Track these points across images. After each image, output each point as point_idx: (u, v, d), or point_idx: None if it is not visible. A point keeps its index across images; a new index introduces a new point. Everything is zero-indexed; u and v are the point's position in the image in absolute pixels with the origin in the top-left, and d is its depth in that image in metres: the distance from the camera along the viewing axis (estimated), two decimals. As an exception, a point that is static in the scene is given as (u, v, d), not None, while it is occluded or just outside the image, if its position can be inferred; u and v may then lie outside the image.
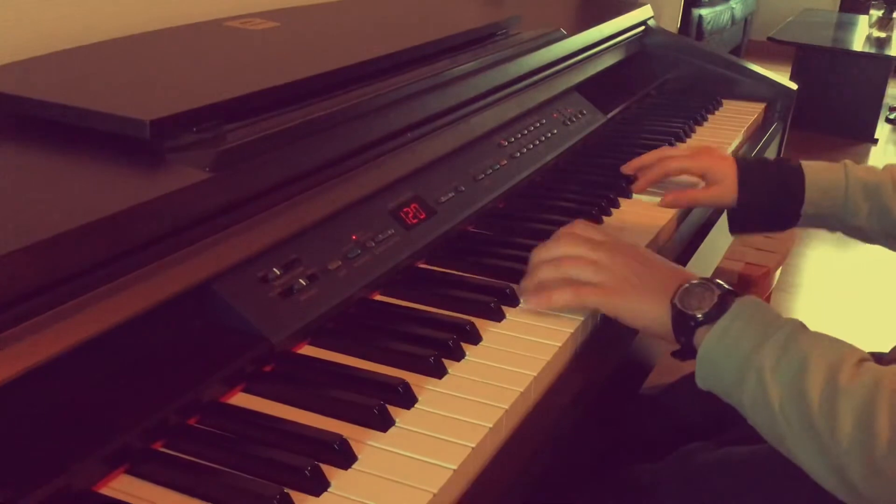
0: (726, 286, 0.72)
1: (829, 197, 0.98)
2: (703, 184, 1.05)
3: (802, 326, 0.69)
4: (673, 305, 0.72)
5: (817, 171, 0.99)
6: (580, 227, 0.82)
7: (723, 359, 0.68)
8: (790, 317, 0.70)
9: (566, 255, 0.78)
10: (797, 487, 0.68)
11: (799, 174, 0.99)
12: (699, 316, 0.70)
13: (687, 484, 0.83)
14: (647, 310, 0.74)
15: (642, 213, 1.05)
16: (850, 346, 0.66)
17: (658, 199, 1.06)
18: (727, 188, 1.01)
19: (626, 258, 0.77)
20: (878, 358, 0.94)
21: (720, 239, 1.16)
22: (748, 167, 1.02)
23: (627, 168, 1.10)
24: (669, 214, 1.04)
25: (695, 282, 0.73)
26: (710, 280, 0.73)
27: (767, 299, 1.95)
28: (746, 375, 0.66)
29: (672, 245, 1.04)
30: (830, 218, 0.99)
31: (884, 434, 0.59)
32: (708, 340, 0.69)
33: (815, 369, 0.63)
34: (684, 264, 1.02)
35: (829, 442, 0.62)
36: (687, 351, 0.72)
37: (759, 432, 0.68)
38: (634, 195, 1.09)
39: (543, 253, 0.80)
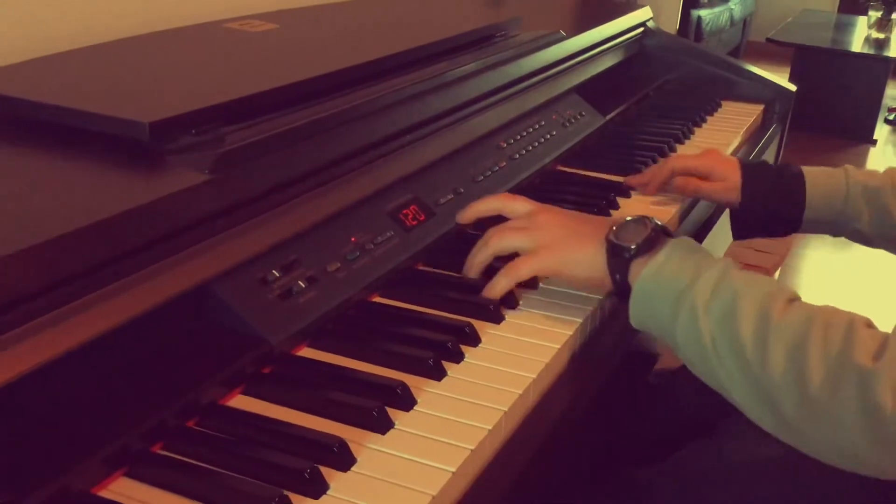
0: (658, 221, 0.74)
1: (831, 202, 0.98)
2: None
3: (736, 266, 0.70)
4: (608, 241, 0.74)
5: (818, 177, 1.00)
6: (506, 198, 0.84)
7: (656, 294, 0.69)
8: (723, 257, 0.72)
9: (494, 231, 0.80)
10: (793, 492, 0.68)
11: (800, 180, 0.99)
12: (632, 247, 0.72)
13: (684, 487, 0.83)
14: (581, 256, 0.75)
15: (642, 213, 1.04)
16: (781, 285, 0.68)
17: (658, 197, 1.07)
18: (730, 187, 1.02)
19: (553, 215, 0.79)
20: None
21: (720, 239, 1.17)
22: (751, 170, 1.02)
23: (632, 182, 1.10)
24: (669, 215, 1.04)
25: (629, 219, 0.75)
26: (644, 216, 0.75)
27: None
28: (679, 311, 0.68)
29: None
30: (832, 223, 1.00)
31: (815, 367, 0.60)
32: (643, 276, 0.70)
33: (747, 305, 0.65)
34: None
35: (762, 376, 0.63)
36: (623, 288, 0.74)
37: (691, 369, 0.69)
38: (634, 194, 1.09)
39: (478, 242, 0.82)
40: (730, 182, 1.02)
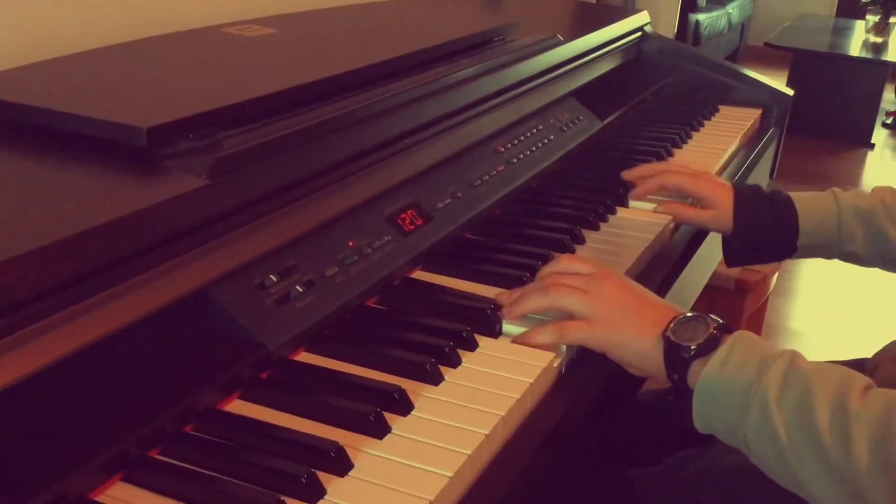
0: (720, 320, 0.70)
1: (824, 226, 0.98)
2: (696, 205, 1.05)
3: (800, 355, 0.67)
4: (665, 338, 0.69)
5: (808, 202, 0.99)
6: (570, 259, 0.80)
7: (722, 393, 0.65)
8: (787, 348, 0.69)
9: (554, 282, 0.76)
10: (785, 495, 0.68)
11: (790, 206, 0.99)
12: (693, 347, 0.68)
13: (679, 489, 0.83)
14: (637, 345, 0.71)
15: (639, 219, 1.05)
16: (853, 373, 0.65)
17: (654, 206, 1.07)
18: (722, 214, 1.01)
19: (616, 289, 0.74)
20: (861, 364, 0.95)
21: (717, 244, 1.17)
22: (744, 197, 1.01)
23: (628, 174, 1.10)
24: (666, 220, 1.04)
25: (689, 314, 0.70)
26: (703, 314, 0.70)
27: (764, 304, 1.95)
28: (749, 408, 0.64)
29: (669, 250, 1.04)
30: (826, 247, 0.99)
31: None
32: (705, 375, 0.66)
33: (821, 396, 0.62)
34: (681, 269, 1.02)
35: (846, 469, 0.60)
36: (680, 389, 0.69)
37: (766, 471, 0.66)
38: (631, 202, 1.10)
39: (533, 285, 0.78)
40: (722, 210, 1.00)
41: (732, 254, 1.04)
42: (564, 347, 0.74)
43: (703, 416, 0.67)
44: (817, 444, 0.61)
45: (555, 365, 0.73)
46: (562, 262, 0.80)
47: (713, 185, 1.03)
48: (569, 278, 0.76)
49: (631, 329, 0.71)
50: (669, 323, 0.70)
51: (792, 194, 1.00)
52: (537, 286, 0.77)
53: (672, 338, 0.69)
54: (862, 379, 0.64)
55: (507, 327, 0.77)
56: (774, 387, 0.63)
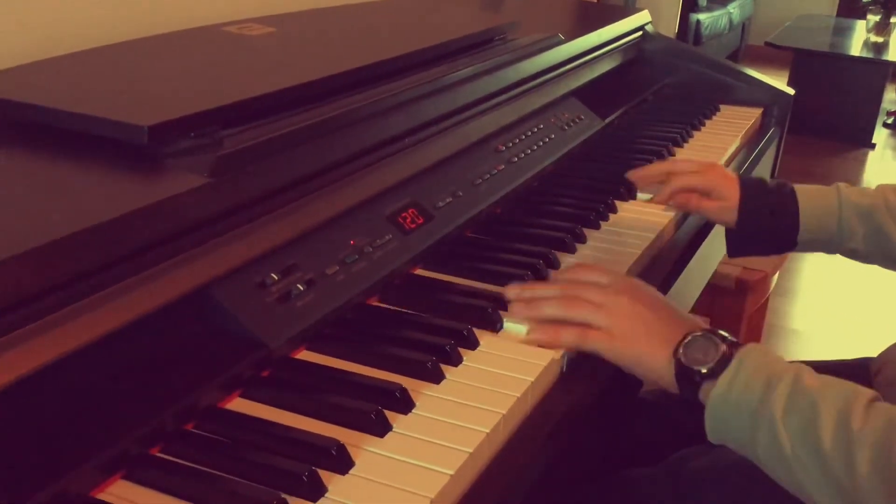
0: (729, 337, 0.71)
1: (824, 222, 0.98)
2: None
3: (808, 371, 0.68)
4: (677, 361, 0.71)
5: (811, 197, 0.99)
6: (588, 269, 0.81)
7: (731, 415, 0.68)
8: (793, 362, 0.70)
9: (573, 294, 0.77)
10: (786, 495, 0.68)
11: (793, 199, 0.99)
12: (703, 371, 0.69)
13: (681, 489, 0.83)
14: (650, 361, 0.72)
15: (641, 217, 1.05)
16: (857, 387, 0.66)
17: (656, 202, 1.07)
18: (729, 206, 1.01)
19: (633, 303, 0.75)
20: (865, 364, 0.95)
21: (718, 243, 1.17)
22: (750, 189, 1.01)
23: (633, 175, 1.10)
24: (667, 219, 1.04)
25: (698, 334, 0.71)
26: (714, 331, 0.71)
27: (765, 304, 1.95)
28: (757, 429, 0.66)
29: (670, 249, 1.04)
30: (826, 242, 1.00)
31: None
32: (714, 398, 0.68)
33: (826, 415, 0.63)
34: (682, 268, 1.02)
35: (848, 486, 0.62)
36: (693, 405, 0.71)
37: (778, 482, 0.67)
38: (631, 202, 1.10)
39: (551, 290, 0.79)
40: (729, 202, 1.01)
41: (734, 244, 1.05)
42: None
43: (715, 433, 0.70)
44: (822, 461, 0.63)
45: (556, 363, 0.73)
46: (580, 272, 0.80)
47: (721, 177, 1.04)
48: (586, 291, 0.77)
49: (645, 347, 0.73)
50: (680, 343, 0.71)
51: (796, 187, 1.01)
52: (555, 294, 0.78)
53: (682, 360, 0.70)
54: (865, 394, 0.65)
55: (508, 325, 0.77)
56: (780, 408, 0.65)
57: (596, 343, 0.74)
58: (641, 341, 0.73)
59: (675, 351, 0.71)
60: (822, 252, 1.02)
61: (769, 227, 1.00)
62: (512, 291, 0.79)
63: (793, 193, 1.00)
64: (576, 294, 0.77)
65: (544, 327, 0.76)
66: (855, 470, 0.61)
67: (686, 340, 0.71)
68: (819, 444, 0.63)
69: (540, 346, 0.74)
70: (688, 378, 0.70)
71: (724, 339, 0.70)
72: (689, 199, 1.04)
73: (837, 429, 0.63)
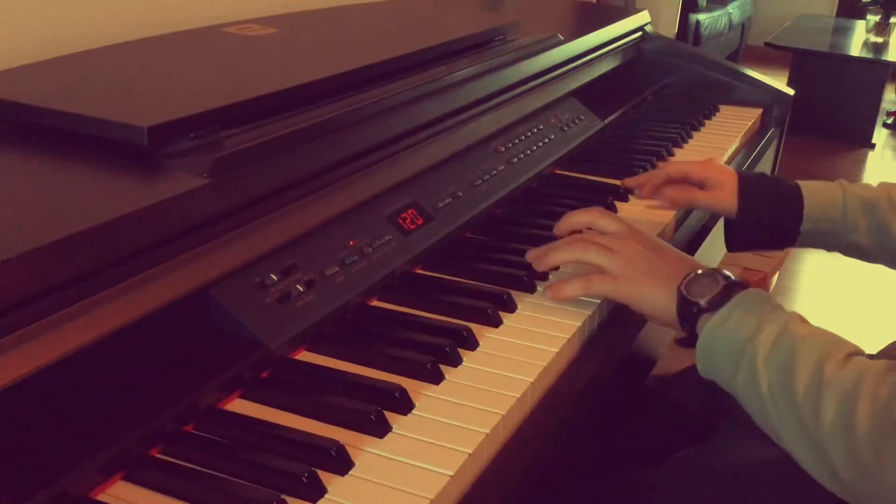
0: (733, 277, 0.75)
1: (828, 215, 0.98)
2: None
3: (800, 318, 0.71)
4: (679, 293, 0.75)
5: (815, 190, 0.99)
6: (598, 212, 0.85)
7: (720, 347, 0.71)
8: (790, 310, 0.72)
9: (580, 238, 0.82)
10: (790, 494, 0.68)
11: (797, 193, 0.99)
12: (702, 303, 0.73)
13: (682, 489, 0.83)
14: (655, 297, 0.76)
15: (640, 217, 1.05)
16: (841, 340, 0.69)
17: (655, 201, 1.07)
18: (726, 195, 1.01)
19: (639, 245, 0.79)
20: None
21: (717, 244, 1.17)
22: (748, 181, 1.02)
23: (630, 182, 1.10)
24: (667, 219, 1.04)
25: (701, 271, 0.75)
26: (717, 270, 0.75)
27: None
28: (740, 363, 0.69)
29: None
30: (828, 236, 0.99)
31: (863, 422, 0.62)
32: (707, 328, 0.72)
33: (804, 360, 0.66)
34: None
35: (814, 429, 0.64)
36: (691, 338, 0.75)
37: (755, 420, 0.70)
38: (632, 198, 1.10)
39: (561, 241, 0.83)
40: (726, 189, 1.00)
41: (734, 238, 1.05)
42: (565, 341, 0.74)
43: (704, 365, 0.73)
44: (793, 404, 0.65)
45: (558, 361, 0.73)
46: (592, 215, 0.86)
47: (718, 169, 1.04)
48: (596, 235, 0.82)
49: (649, 284, 0.77)
50: (684, 278, 0.75)
51: (800, 182, 1.01)
52: (566, 240, 0.83)
53: (684, 293, 0.74)
54: (847, 346, 0.68)
55: (509, 322, 0.77)
56: (764, 348, 0.68)
57: (600, 286, 0.79)
58: (647, 279, 0.77)
59: (679, 285, 0.75)
60: (822, 248, 1.02)
61: (771, 218, 1.00)
62: (531, 253, 0.85)
63: (796, 186, 1.00)
64: (584, 237, 0.82)
65: (552, 285, 0.80)
66: (820, 415, 0.64)
67: (690, 276, 0.75)
68: (793, 386, 0.65)
69: (552, 300, 0.80)
70: (688, 310, 0.74)
71: (726, 277, 0.74)
72: (681, 193, 1.03)
73: (812, 373, 0.65)
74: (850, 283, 2.78)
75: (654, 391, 1.03)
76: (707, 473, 0.84)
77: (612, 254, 0.79)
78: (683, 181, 1.04)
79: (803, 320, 0.71)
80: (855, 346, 0.68)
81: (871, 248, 0.99)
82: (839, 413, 0.63)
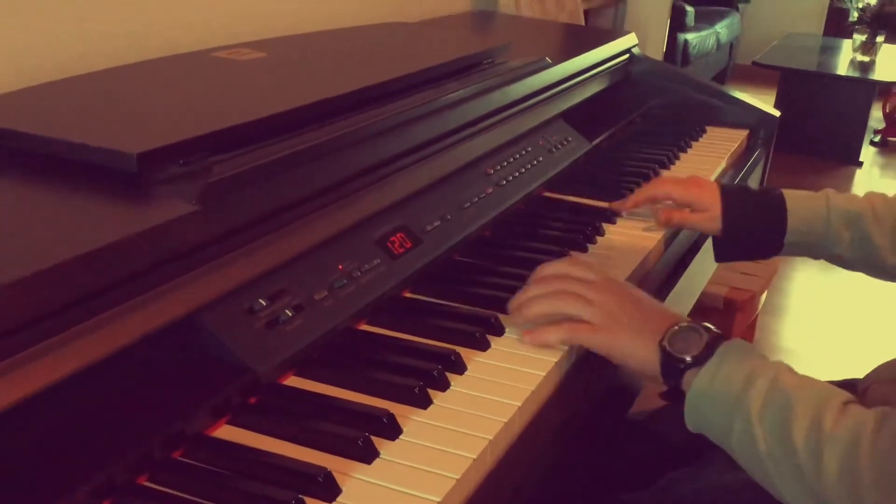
0: (713, 329, 0.73)
1: (812, 226, 0.99)
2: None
3: (788, 369, 0.70)
4: (662, 348, 0.73)
5: (799, 201, 1.00)
6: (573, 264, 0.83)
7: (710, 404, 0.70)
8: (776, 360, 0.71)
9: (559, 290, 0.79)
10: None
11: (781, 204, 1.00)
12: (688, 359, 0.72)
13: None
14: (636, 350, 0.75)
15: (628, 239, 1.06)
16: (833, 389, 0.68)
17: (643, 223, 1.08)
18: (712, 216, 1.03)
19: (617, 297, 0.77)
20: (853, 384, 0.95)
21: (706, 263, 1.18)
22: (732, 196, 1.03)
23: (618, 206, 1.11)
24: (655, 240, 1.05)
25: (684, 324, 0.74)
26: (698, 323, 0.74)
27: (753, 323, 1.96)
28: (734, 421, 0.68)
29: (658, 270, 1.04)
30: (813, 246, 1.01)
31: (867, 476, 0.61)
32: (695, 387, 0.70)
33: (800, 414, 0.65)
34: (670, 289, 1.03)
35: (817, 485, 0.63)
36: (675, 393, 0.73)
37: (750, 475, 0.69)
38: (619, 220, 1.10)
39: (537, 289, 0.80)
40: (712, 212, 1.03)
41: (721, 249, 1.06)
42: (553, 365, 0.75)
43: (694, 422, 0.72)
44: (793, 458, 0.65)
45: (546, 386, 0.73)
46: (564, 266, 0.82)
47: (699, 187, 1.05)
48: (572, 284, 0.79)
49: (630, 338, 0.75)
50: (665, 333, 0.74)
51: (785, 191, 1.02)
52: (542, 293, 0.80)
53: (668, 349, 0.73)
54: (841, 396, 0.67)
55: (497, 346, 0.78)
56: (757, 403, 0.67)
57: (582, 336, 0.77)
58: (627, 332, 0.75)
59: (661, 339, 0.73)
60: (808, 256, 1.04)
61: (756, 231, 1.01)
62: (511, 303, 0.82)
63: (780, 197, 1.01)
64: (563, 289, 0.79)
65: (532, 330, 0.78)
66: (823, 469, 0.63)
67: (672, 330, 0.74)
68: (791, 442, 0.65)
69: (532, 345, 0.77)
70: (672, 366, 0.72)
71: (708, 330, 0.73)
72: (671, 215, 1.06)
73: (810, 427, 0.64)
74: (839, 301, 2.79)
75: (637, 424, 1.03)
76: (694, 495, 0.84)
77: (590, 305, 0.77)
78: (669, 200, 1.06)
79: (791, 370, 0.70)
80: (848, 394, 0.67)
81: (853, 259, 1.00)
82: (842, 468, 0.62)
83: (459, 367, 0.74)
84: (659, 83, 1.61)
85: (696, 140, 1.51)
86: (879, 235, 0.97)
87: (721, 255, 1.07)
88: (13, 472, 0.53)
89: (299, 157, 0.80)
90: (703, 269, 1.25)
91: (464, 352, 0.75)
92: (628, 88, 1.60)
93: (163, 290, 0.63)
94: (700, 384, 0.70)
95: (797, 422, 0.65)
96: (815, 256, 1.03)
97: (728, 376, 0.69)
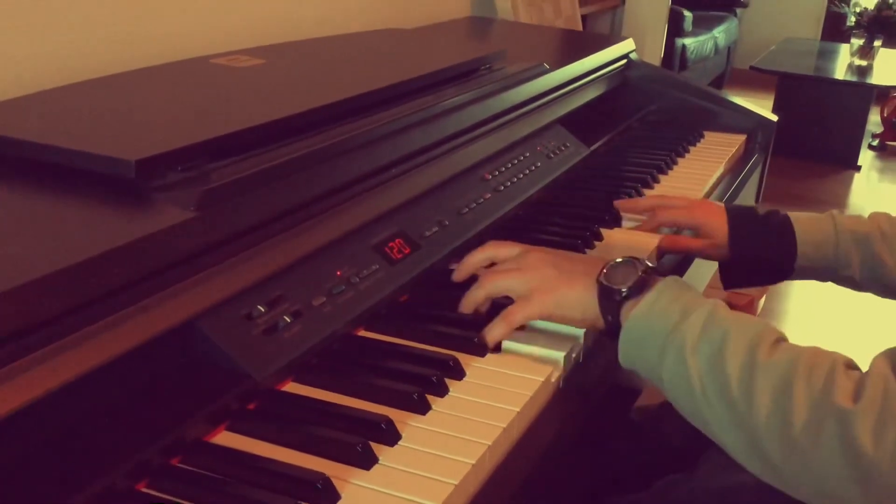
0: (649, 264, 0.75)
1: (821, 250, 0.98)
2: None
3: (724, 306, 0.71)
4: (599, 283, 0.75)
5: (806, 224, 0.99)
6: (496, 246, 0.85)
7: (645, 335, 0.70)
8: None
9: (489, 271, 0.81)
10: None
11: (788, 228, 0.99)
12: (624, 290, 0.73)
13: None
14: (574, 296, 0.76)
15: (626, 244, 1.06)
16: (768, 325, 0.68)
17: (641, 230, 1.08)
18: (719, 244, 1.02)
19: (550, 256, 0.80)
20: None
21: (704, 268, 1.18)
22: (739, 221, 1.01)
23: (622, 206, 1.11)
24: (653, 245, 1.05)
25: (619, 260, 0.75)
26: (633, 258, 0.75)
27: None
28: (667, 352, 0.69)
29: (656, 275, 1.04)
30: (822, 270, 0.99)
31: (800, 410, 0.61)
32: (632, 318, 0.71)
33: (735, 346, 0.66)
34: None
35: (747, 417, 0.64)
36: (614, 329, 0.74)
37: (678, 408, 0.70)
38: (616, 228, 1.10)
39: (475, 285, 0.82)
40: (718, 239, 1.01)
41: (729, 277, 1.05)
42: (552, 370, 0.75)
43: (627, 355, 0.73)
44: (725, 391, 0.65)
45: (544, 391, 0.73)
46: (488, 250, 0.85)
47: (706, 213, 1.03)
48: (503, 264, 0.82)
49: (564, 286, 0.77)
50: (602, 269, 0.75)
51: (790, 214, 1.01)
52: (475, 284, 0.82)
53: (605, 282, 0.74)
54: (775, 331, 0.68)
55: (507, 345, 0.78)
56: (692, 335, 0.68)
57: (521, 313, 0.77)
58: (560, 283, 0.77)
59: (598, 276, 0.75)
60: (816, 279, 1.02)
61: (765, 258, 1.00)
62: (460, 308, 0.83)
63: (787, 222, 0.99)
64: (490, 271, 0.81)
65: (481, 333, 0.78)
66: (754, 402, 0.63)
67: (607, 265, 0.75)
68: (724, 374, 0.65)
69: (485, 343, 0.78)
70: (610, 298, 0.74)
71: (643, 263, 0.74)
72: (676, 242, 1.04)
73: (744, 361, 0.65)
74: (838, 305, 2.79)
75: (638, 425, 1.03)
76: (693, 497, 0.85)
77: (521, 272, 0.78)
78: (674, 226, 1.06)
79: (727, 308, 0.71)
80: (781, 331, 0.68)
81: (863, 281, 0.99)
82: (774, 400, 0.62)
83: (458, 373, 0.74)
84: (657, 88, 1.62)
85: (694, 145, 1.52)
86: (889, 255, 0.96)
87: (729, 283, 1.05)
88: (12, 478, 0.53)
89: (297, 163, 0.80)
90: (702, 273, 1.25)
91: (462, 357, 0.75)
92: (626, 93, 1.61)
93: (161, 296, 0.64)
94: (637, 314, 0.71)
95: (731, 353, 0.65)
96: (823, 279, 1.01)
97: (665, 308, 0.70)
